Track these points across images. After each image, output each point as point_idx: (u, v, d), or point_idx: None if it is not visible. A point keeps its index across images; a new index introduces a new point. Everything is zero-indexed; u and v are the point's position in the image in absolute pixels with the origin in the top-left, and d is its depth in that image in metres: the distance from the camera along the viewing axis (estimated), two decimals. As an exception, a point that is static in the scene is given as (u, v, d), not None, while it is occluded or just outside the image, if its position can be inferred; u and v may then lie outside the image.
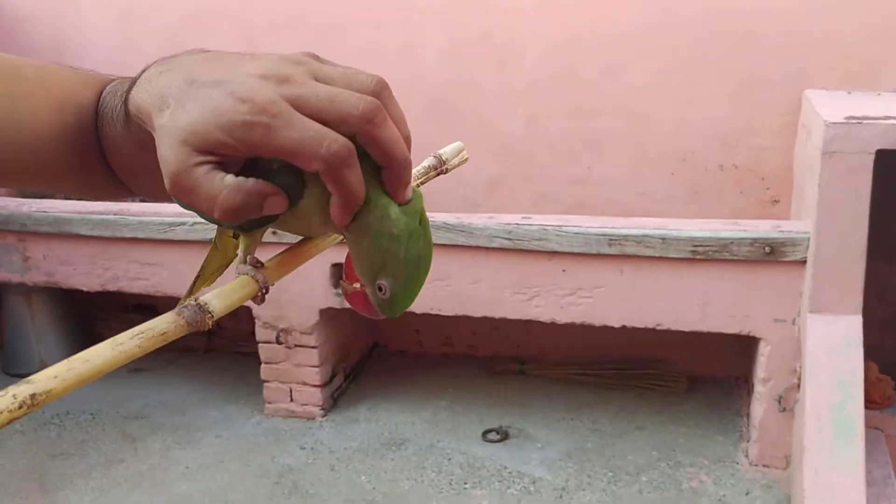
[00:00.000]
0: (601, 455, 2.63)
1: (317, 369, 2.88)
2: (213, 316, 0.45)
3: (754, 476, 2.47)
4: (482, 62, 3.02)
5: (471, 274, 2.61)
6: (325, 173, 0.41)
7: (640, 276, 2.48)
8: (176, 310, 0.44)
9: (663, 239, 2.41)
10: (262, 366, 2.92)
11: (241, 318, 3.27)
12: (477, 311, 2.65)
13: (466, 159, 0.63)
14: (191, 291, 0.57)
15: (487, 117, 3.06)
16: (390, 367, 3.33)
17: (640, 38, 2.85)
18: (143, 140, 0.49)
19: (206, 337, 3.50)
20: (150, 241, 2.83)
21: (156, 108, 0.43)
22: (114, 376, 3.26)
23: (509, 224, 2.52)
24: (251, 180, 0.42)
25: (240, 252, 0.53)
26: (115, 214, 2.84)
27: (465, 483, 2.49)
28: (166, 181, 0.43)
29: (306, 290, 2.76)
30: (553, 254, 2.52)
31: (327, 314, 2.83)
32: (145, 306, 3.55)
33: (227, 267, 0.61)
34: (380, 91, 0.43)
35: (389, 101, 0.44)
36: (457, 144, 0.62)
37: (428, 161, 0.60)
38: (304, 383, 2.90)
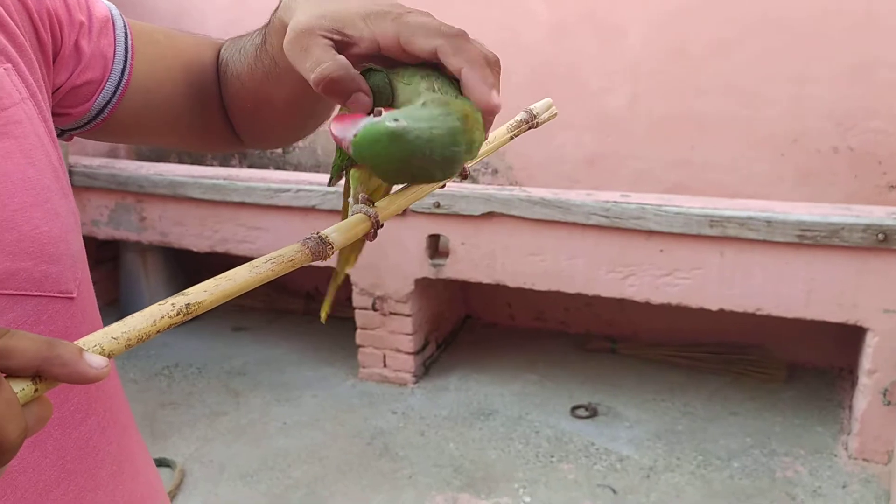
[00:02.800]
0: (692, 438, 2.60)
1: (410, 337, 2.94)
2: (332, 247, 0.50)
3: (853, 469, 2.40)
4: (585, 38, 2.98)
5: (566, 250, 2.60)
6: (448, 49, 0.49)
7: (741, 260, 2.43)
8: (301, 241, 0.49)
9: (769, 222, 2.34)
10: (358, 331, 3.01)
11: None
12: (571, 288, 2.65)
13: (556, 114, 0.66)
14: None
15: (589, 94, 3.02)
16: (482, 338, 3.38)
17: (750, 13, 2.75)
18: (272, 64, 0.59)
19: (304, 300, 3.63)
20: (257, 206, 2.95)
21: (307, 5, 0.51)
22: (218, 334, 3.45)
23: (607, 202, 2.50)
24: (354, 70, 0.49)
25: (353, 191, 0.58)
26: (224, 179, 2.97)
27: (552, 456, 2.51)
28: (289, 34, 0.50)
29: (402, 259, 2.83)
30: (651, 233, 2.49)
31: (422, 284, 2.89)
32: (249, 269, 3.70)
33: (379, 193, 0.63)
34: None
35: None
36: (546, 100, 0.65)
37: (520, 115, 0.64)
38: (398, 350, 2.98)
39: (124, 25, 0.65)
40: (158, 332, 0.43)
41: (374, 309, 2.95)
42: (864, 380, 2.38)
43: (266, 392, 2.98)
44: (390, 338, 2.97)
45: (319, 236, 0.50)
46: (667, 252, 2.50)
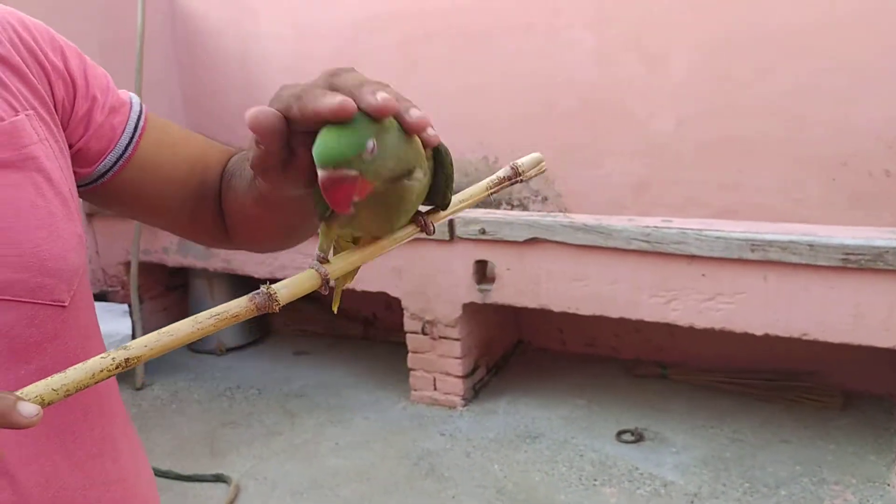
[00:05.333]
0: (739, 465, 2.57)
1: (459, 361, 3.01)
2: (279, 303, 0.54)
3: (907, 500, 2.33)
4: (630, 63, 3.02)
5: (608, 275, 2.63)
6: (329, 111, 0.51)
7: (785, 284, 2.41)
8: (249, 295, 0.54)
9: (811, 246, 2.32)
10: (409, 354, 3.10)
11: (394, 310, 3.47)
12: (614, 312, 2.67)
13: (544, 170, 0.65)
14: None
15: (635, 119, 3.06)
16: (533, 363, 3.41)
17: (796, 36, 2.74)
18: (260, 194, 0.67)
19: (363, 325, 3.74)
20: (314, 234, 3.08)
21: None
22: (280, 357, 3.59)
23: (648, 227, 2.53)
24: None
25: (317, 246, 0.62)
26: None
27: (596, 480, 2.53)
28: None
29: (451, 284, 2.91)
30: (693, 257, 2.50)
31: (470, 308, 2.95)
32: (310, 295, 3.82)
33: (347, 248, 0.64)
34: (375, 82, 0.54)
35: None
36: (535, 155, 0.64)
37: (503, 171, 0.63)
38: (447, 373, 3.05)
39: (140, 112, 0.76)
40: (97, 382, 0.48)
41: (424, 333, 3.03)
42: (916, 407, 2.32)
43: (321, 413, 3.09)
44: (440, 361, 3.05)
45: (268, 291, 0.53)
46: (709, 276, 2.50)
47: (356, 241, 0.63)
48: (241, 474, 2.68)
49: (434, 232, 0.61)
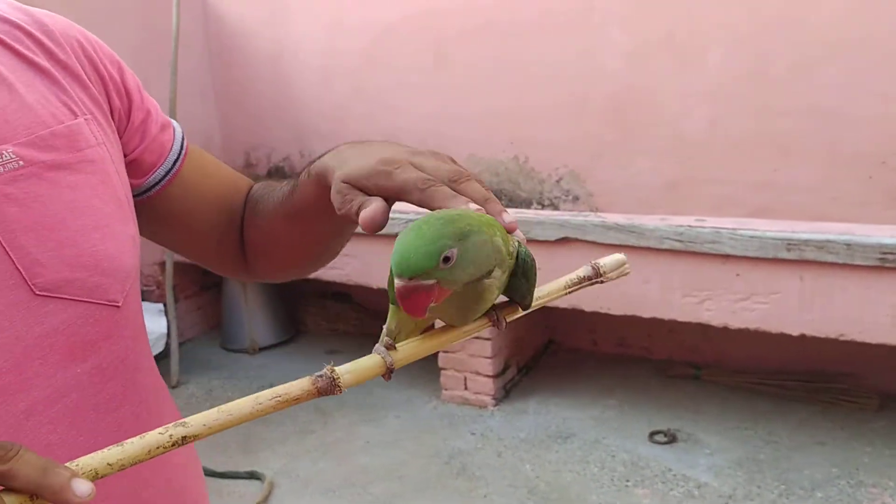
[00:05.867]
0: (775, 467, 2.54)
1: (490, 360, 3.01)
2: (341, 389, 0.54)
3: (948, 505, 2.28)
4: (663, 62, 3.00)
5: (640, 274, 2.62)
6: (426, 199, 0.57)
7: (821, 284, 2.37)
8: (313, 377, 0.54)
9: (848, 245, 2.29)
10: (440, 354, 3.10)
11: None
12: (646, 312, 2.66)
13: (628, 272, 0.62)
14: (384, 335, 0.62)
15: (667, 118, 3.03)
16: (563, 363, 3.40)
17: (834, 31, 2.70)
18: (296, 209, 0.73)
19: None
20: (344, 234, 3.10)
21: (337, 164, 0.63)
22: (312, 356, 3.62)
23: (681, 226, 2.51)
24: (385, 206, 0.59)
25: (384, 329, 0.61)
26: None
27: (628, 481, 2.51)
28: (333, 187, 0.63)
29: (481, 284, 2.90)
30: (727, 257, 2.47)
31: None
32: (341, 294, 3.87)
33: (416, 331, 0.62)
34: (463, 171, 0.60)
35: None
36: (618, 257, 0.61)
37: (583, 269, 0.61)
38: (478, 373, 3.05)
39: (183, 136, 0.80)
40: (151, 458, 0.49)
41: (455, 332, 3.03)
42: (958, 409, 2.27)
43: (353, 412, 3.10)
44: (471, 361, 3.05)
45: (332, 376, 0.53)
46: (743, 276, 2.47)
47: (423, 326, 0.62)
48: (275, 472, 2.70)
49: (505, 328, 0.60)
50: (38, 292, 0.59)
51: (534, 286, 0.59)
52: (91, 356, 0.63)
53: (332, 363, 0.55)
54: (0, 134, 0.61)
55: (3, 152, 0.60)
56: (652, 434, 2.75)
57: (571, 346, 3.52)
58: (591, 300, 2.73)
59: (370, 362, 0.56)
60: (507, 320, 0.60)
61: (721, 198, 3.00)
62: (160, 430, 0.49)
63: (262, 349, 3.74)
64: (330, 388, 0.53)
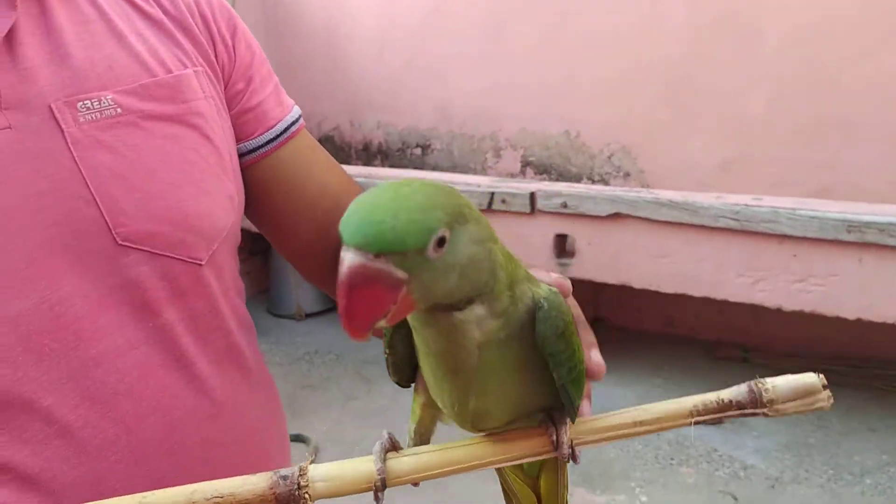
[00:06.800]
0: (824, 451, 2.50)
1: (535, 335, 3.00)
2: (308, 501, 0.41)
3: None
4: (723, 41, 2.93)
5: (693, 253, 2.58)
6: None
7: (882, 267, 2.32)
8: (273, 478, 0.42)
9: (912, 228, 2.23)
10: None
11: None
12: (697, 291, 2.62)
13: (823, 407, 0.42)
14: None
15: (725, 98, 2.97)
16: (609, 341, 3.34)
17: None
18: None
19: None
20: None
21: None
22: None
23: (737, 205, 2.46)
24: None
25: (411, 420, 0.46)
26: (365, 178, 3.15)
27: (672, 459, 2.50)
28: None
29: (529, 257, 2.86)
30: (784, 237, 2.42)
31: (549, 283, 2.94)
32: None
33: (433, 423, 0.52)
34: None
35: None
36: (806, 380, 0.41)
37: (734, 390, 0.41)
38: (523, 347, 3.04)
39: (297, 120, 0.77)
40: None
41: (502, 306, 3.03)
42: None
43: (397, 381, 3.13)
44: (516, 335, 3.04)
45: (299, 481, 0.41)
46: (800, 257, 2.43)
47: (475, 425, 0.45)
48: (320, 436, 2.74)
49: (578, 461, 0.43)
50: (120, 242, 0.59)
51: (575, 359, 0.41)
52: (166, 310, 0.63)
53: (311, 459, 0.43)
54: (103, 80, 0.61)
55: (102, 98, 0.60)
56: (698, 414, 2.73)
57: (618, 323, 3.49)
58: (640, 276, 2.70)
59: (356, 472, 0.42)
60: (575, 445, 0.41)
61: (778, 178, 2.94)
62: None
63: (308, 315, 3.79)
64: (293, 498, 0.41)
